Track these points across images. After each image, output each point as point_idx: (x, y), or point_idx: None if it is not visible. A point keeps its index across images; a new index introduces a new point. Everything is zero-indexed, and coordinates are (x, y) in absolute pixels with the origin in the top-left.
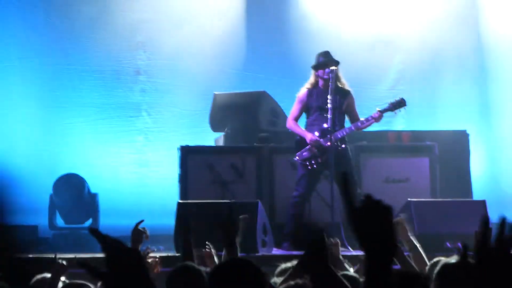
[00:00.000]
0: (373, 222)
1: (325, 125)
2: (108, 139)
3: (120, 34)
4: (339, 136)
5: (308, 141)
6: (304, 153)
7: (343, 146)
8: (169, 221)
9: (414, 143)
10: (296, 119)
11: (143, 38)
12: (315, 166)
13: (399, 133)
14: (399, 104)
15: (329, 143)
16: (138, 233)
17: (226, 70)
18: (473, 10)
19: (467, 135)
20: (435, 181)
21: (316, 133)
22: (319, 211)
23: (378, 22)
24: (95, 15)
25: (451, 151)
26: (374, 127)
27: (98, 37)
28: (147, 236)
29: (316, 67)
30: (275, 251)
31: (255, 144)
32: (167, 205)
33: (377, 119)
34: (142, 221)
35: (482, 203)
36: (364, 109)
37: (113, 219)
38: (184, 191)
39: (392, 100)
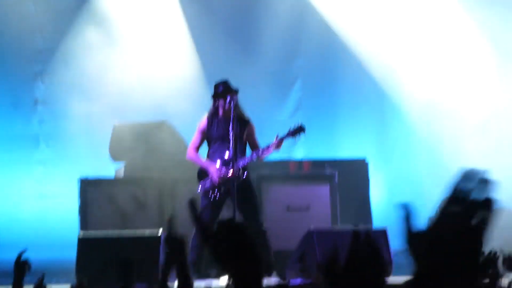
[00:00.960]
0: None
1: (226, 155)
2: (6, 172)
3: (17, 64)
4: (240, 165)
5: (211, 174)
6: (207, 183)
7: (245, 174)
8: (69, 254)
9: (314, 172)
10: (197, 148)
11: (40, 68)
12: (218, 196)
13: (299, 161)
14: (298, 130)
15: (231, 173)
16: (20, 265)
17: (126, 100)
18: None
19: (366, 163)
20: (335, 209)
21: (218, 163)
22: None
23: (276, 50)
24: None
25: (351, 179)
26: (275, 156)
27: None
28: (30, 267)
29: (215, 96)
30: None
31: (156, 174)
32: (67, 238)
33: (277, 145)
34: (24, 251)
35: (383, 231)
36: (264, 137)
37: (13, 253)
38: (85, 223)
39: (291, 126)
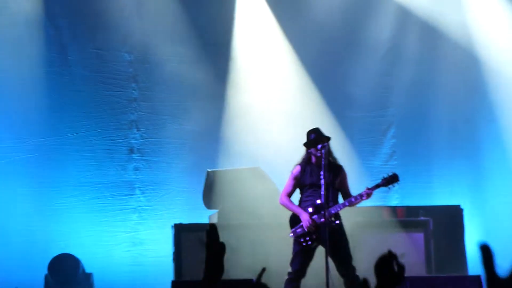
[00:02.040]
0: None
1: (318, 201)
2: (101, 218)
3: (112, 112)
4: (332, 212)
5: (303, 221)
6: (298, 230)
7: (337, 222)
8: None
9: (408, 219)
10: (289, 195)
11: (136, 117)
12: (309, 243)
13: (393, 208)
14: (392, 179)
15: (323, 219)
16: None
17: (219, 147)
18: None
19: (461, 210)
20: (430, 257)
21: (310, 209)
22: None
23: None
24: (87, 94)
25: (445, 226)
26: (369, 202)
27: (91, 115)
28: None
29: (308, 145)
30: None
31: (249, 220)
32: (162, 284)
33: (367, 196)
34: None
35: (478, 278)
36: (359, 184)
37: None
38: (179, 270)
39: (385, 175)
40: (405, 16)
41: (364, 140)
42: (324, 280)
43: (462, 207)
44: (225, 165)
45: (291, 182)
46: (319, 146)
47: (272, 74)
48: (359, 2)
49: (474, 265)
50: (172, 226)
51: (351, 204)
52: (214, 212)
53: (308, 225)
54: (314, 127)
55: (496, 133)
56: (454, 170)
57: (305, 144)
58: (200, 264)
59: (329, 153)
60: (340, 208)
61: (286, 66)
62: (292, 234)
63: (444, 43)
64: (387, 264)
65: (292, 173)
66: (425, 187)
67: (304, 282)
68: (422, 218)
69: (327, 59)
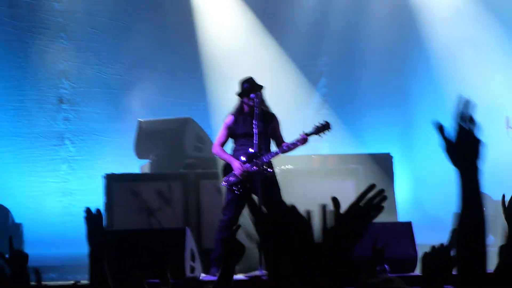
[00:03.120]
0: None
1: (251, 150)
2: (31, 169)
3: (41, 63)
4: (265, 160)
5: (234, 168)
6: (231, 178)
7: (270, 170)
8: None
9: (339, 167)
10: (222, 144)
11: (65, 67)
12: (241, 190)
13: (324, 156)
14: (324, 127)
15: (255, 168)
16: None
17: (150, 97)
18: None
19: (391, 157)
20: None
21: (242, 158)
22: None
23: (301, 45)
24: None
25: (375, 173)
26: (299, 151)
27: (21, 65)
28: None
29: (240, 94)
30: (203, 277)
31: (181, 170)
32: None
33: (303, 142)
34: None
35: (408, 225)
36: (290, 133)
37: (38, 249)
38: (110, 220)
39: (317, 123)
40: None
41: (296, 90)
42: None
43: (392, 154)
44: (157, 115)
45: (224, 132)
46: (252, 95)
47: None
48: None
49: (403, 212)
50: (103, 176)
51: (283, 152)
52: (145, 162)
53: (240, 172)
54: (247, 76)
55: (426, 82)
56: (384, 119)
57: (238, 94)
58: (131, 214)
59: (261, 102)
60: (273, 156)
61: None
62: (224, 183)
63: None
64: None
65: (224, 122)
66: (355, 135)
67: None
68: (352, 166)
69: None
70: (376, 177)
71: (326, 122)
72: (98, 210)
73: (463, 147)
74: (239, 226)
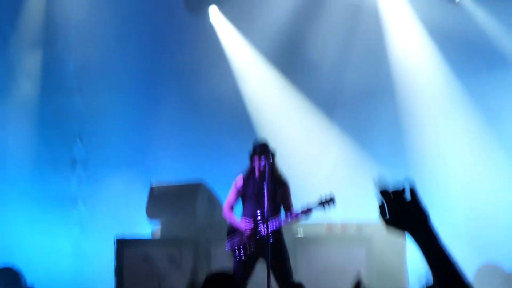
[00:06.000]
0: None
1: (258, 215)
2: (44, 230)
3: (55, 124)
4: (272, 226)
5: (241, 227)
6: (235, 240)
7: (277, 235)
8: None
9: (351, 234)
10: (232, 206)
11: (79, 128)
12: (243, 257)
13: (336, 224)
14: (328, 202)
15: (261, 232)
16: None
17: (163, 160)
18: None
19: None
20: (371, 272)
21: (249, 221)
22: None
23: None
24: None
25: (387, 242)
26: (312, 218)
27: (35, 125)
28: None
29: (252, 156)
30: None
31: (192, 235)
32: None
33: (306, 214)
34: None
35: None
36: (304, 198)
37: None
38: (120, 285)
39: (322, 197)
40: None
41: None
42: None
43: None
44: (170, 180)
45: (234, 193)
46: (263, 159)
47: None
48: None
49: (414, 280)
50: (114, 241)
51: (290, 220)
52: (157, 227)
53: (247, 230)
54: (262, 138)
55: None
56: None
57: (250, 155)
58: (141, 278)
59: (273, 167)
60: (277, 226)
61: None
62: (227, 244)
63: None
64: None
65: (234, 183)
66: (368, 203)
67: None
68: (364, 234)
69: None
70: (388, 245)
71: (331, 196)
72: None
73: (405, 216)
74: None
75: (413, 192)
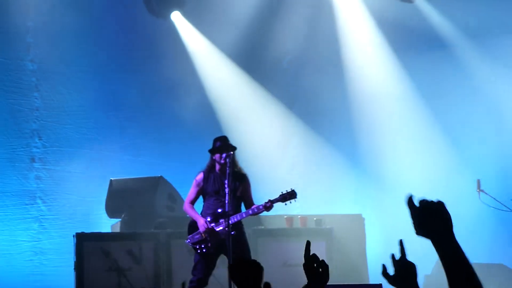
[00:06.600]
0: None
1: (219, 210)
2: (2, 227)
3: (14, 121)
4: (233, 221)
5: (199, 226)
6: (196, 236)
7: (238, 230)
8: None
9: (311, 227)
10: (193, 202)
11: (38, 126)
12: (204, 250)
13: (296, 217)
14: (290, 196)
15: (221, 227)
16: None
17: (122, 157)
18: None
19: (363, 219)
20: (332, 265)
21: (208, 218)
22: None
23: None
24: None
25: (347, 234)
26: (272, 211)
27: None
28: None
29: (213, 152)
30: None
31: (152, 229)
32: None
33: (267, 209)
34: None
35: (379, 287)
36: (264, 193)
37: None
38: (80, 279)
39: (284, 191)
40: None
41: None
42: None
43: (363, 216)
44: (128, 174)
45: (194, 190)
46: (224, 154)
47: None
48: None
49: (374, 273)
50: (73, 235)
51: (251, 214)
52: (116, 221)
53: (204, 230)
54: (221, 135)
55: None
56: (356, 179)
57: (210, 151)
58: (102, 273)
59: (233, 162)
60: (241, 218)
61: None
62: (188, 240)
63: None
64: (314, 265)
65: (195, 180)
66: (327, 196)
67: None
68: (324, 226)
69: None
70: (348, 237)
71: (292, 190)
72: None
73: (431, 220)
74: None
75: (439, 204)
